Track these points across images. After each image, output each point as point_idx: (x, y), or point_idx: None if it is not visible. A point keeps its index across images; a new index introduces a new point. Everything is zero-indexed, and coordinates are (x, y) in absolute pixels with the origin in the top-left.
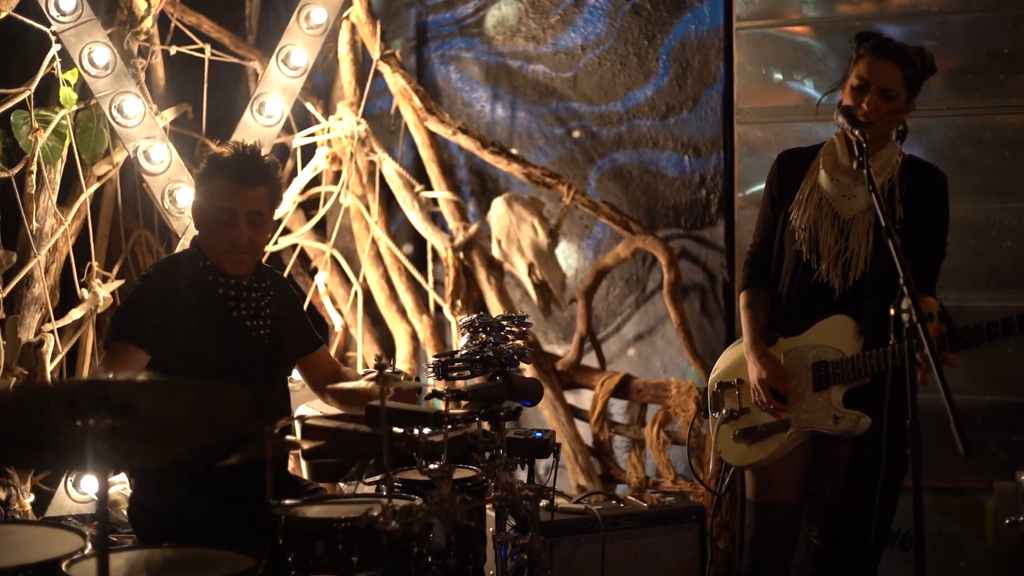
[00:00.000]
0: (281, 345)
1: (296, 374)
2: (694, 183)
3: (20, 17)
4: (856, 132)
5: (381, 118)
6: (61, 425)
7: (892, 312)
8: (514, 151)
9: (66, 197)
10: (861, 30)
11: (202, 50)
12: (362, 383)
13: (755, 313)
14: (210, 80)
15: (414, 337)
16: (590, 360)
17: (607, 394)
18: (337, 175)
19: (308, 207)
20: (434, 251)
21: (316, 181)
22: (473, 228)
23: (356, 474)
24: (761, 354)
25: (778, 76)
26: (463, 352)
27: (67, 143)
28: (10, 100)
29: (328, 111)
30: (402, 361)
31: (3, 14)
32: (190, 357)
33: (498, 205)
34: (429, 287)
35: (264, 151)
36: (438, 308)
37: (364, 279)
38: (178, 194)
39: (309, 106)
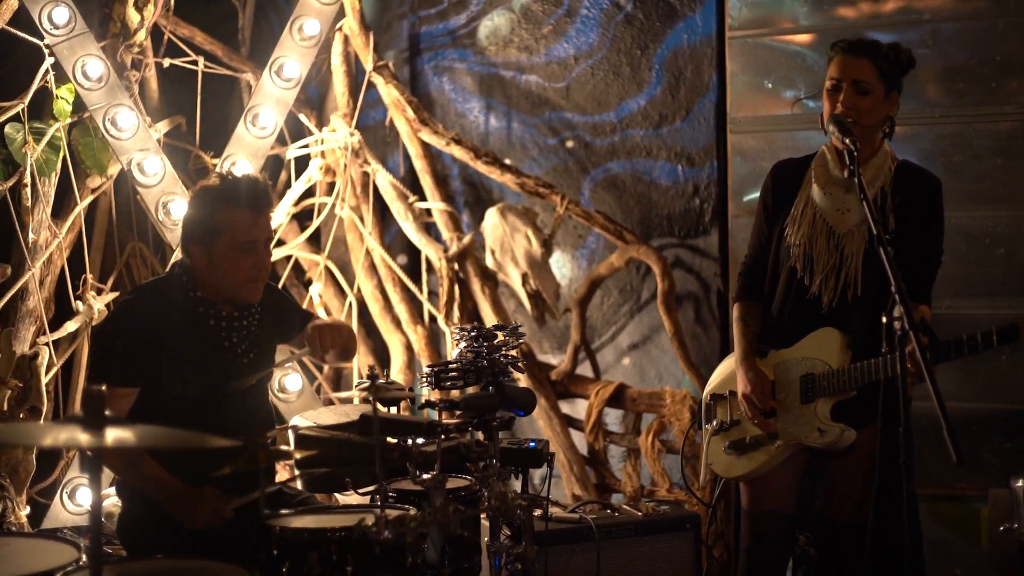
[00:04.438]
0: (265, 364)
1: (294, 383)
2: (687, 192)
3: (13, 30)
4: (847, 141)
5: (375, 129)
6: None
7: (884, 320)
8: (507, 161)
9: (60, 210)
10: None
11: (195, 62)
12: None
13: (747, 327)
14: (203, 92)
15: (408, 348)
16: (585, 370)
17: (602, 403)
18: (331, 186)
19: (302, 218)
20: (428, 262)
21: (310, 192)
22: (467, 238)
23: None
24: (749, 368)
25: (771, 85)
26: (457, 362)
27: (61, 155)
28: (4, 113)
29: (321, 122)
30: (396, 371)
31: None
32: (178, 384)
33: (492, 215)
34: (423, 298)
35: (264, 179)
36: (432, 318)
37: (358, 290)
38: (172, 206)
39: (303, 117)
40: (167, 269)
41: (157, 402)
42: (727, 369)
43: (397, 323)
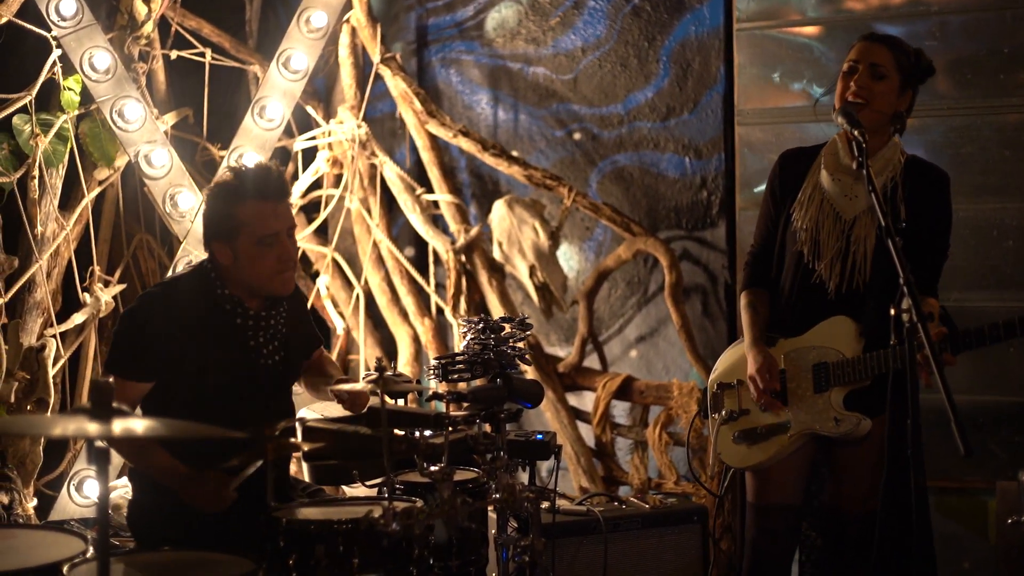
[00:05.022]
0: (291, 365)
1: None
2: (695, 184)
3: (20, 22)
4: (856, 132)
5: (382, 121)
6: None
7: (892, 312)
8: (515, 153)
9: (67, 202)
10: (862, 30)
11: (203, 54)
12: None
13: (755, 313)
14: (211, 84)
15: (416, 340)
16: (592, 362)
17: (609, 396)
18: (338, 178)
19: (309, 210)
20: (435, 254)
21: (317, 184)
22: (474, 230)
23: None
24: (759, 351)
25: (778, 77)
26: (464, 354)
27: (69, 147)
28: (12, 105)
29: (329, 114)
30: (404, 364)
31: (3, 19)
32: (200, 384)
33: (499, 207)
34: (431, 290)
35: (279, 168)
36: (440, 311)
37: (366, 282)
38: (179, 198)
39: (310, 110)
40: (194, 265)
41: (178, 400)
42: (733, 357)
43: (404, 315)
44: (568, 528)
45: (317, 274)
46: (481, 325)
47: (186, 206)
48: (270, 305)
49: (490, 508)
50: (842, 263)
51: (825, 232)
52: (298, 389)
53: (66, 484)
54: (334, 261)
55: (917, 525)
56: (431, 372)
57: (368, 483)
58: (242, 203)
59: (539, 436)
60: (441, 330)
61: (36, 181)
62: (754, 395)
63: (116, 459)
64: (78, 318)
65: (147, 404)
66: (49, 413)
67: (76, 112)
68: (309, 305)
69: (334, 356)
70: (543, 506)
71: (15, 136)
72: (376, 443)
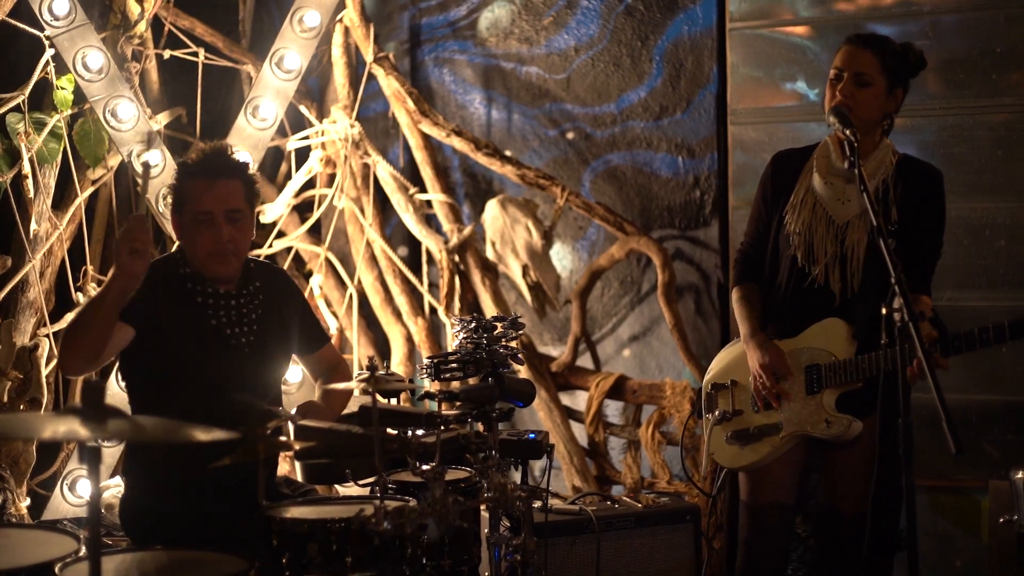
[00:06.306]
0: (267, 351)
1: (294, 375)
2: (688, 184)
3: (13, 22)
4: (847, 132)
5: (375, 121)
6: None
7: (884, 311)
8: (508, 153)
9: (61, 201)
10: (854, 30)
11: (196, 54)
12: (342, 386)
13: (750, 305)
14: (204, 84)
15: (409, 339)
16: (585, 361)
17: (602, 395)
18: (331, 178)
19: (303, 210)
20: (428, 253)
21: (310, 184)
22: (467, 230)
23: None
24: (761, 341)
25: (771, 76)
26: (457, 353)
27: (62, 146)
28: (5, 104)
29: (322, 114)
30: (397, 363)
31: None
32: (171, 358)
33: (492, 207)
34: (424, 289)
35: (233, 149)
36: (433, 310)
37: (359, 282)
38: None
39: (303, 109)
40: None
41: (153, 370)
42: (728, 357)
43: (397, 315)
44: (560, 527)
45: (310, 274)
46: (474, 324)
47: None
48: (240, 286)
49: (482, 507)
50: (840, 268)
51: (819, 237)
52: (291, 388)
53: (59, 484)
54: (327, 261)
55: (910, 524)
56: (424, 371)
57: (361, 482)
58: (186, 179)
59: (531, 435)
60: (434, 329)
61: (30, 180)
62: (764, 384)
63: (109, 459)
64: (71, 317)
65: (124, 370)
66: (42, 412)
67: (69, 111)
68: None
69: None
70: (535, 505)
71: (9, 135)
72: (368, 442)
